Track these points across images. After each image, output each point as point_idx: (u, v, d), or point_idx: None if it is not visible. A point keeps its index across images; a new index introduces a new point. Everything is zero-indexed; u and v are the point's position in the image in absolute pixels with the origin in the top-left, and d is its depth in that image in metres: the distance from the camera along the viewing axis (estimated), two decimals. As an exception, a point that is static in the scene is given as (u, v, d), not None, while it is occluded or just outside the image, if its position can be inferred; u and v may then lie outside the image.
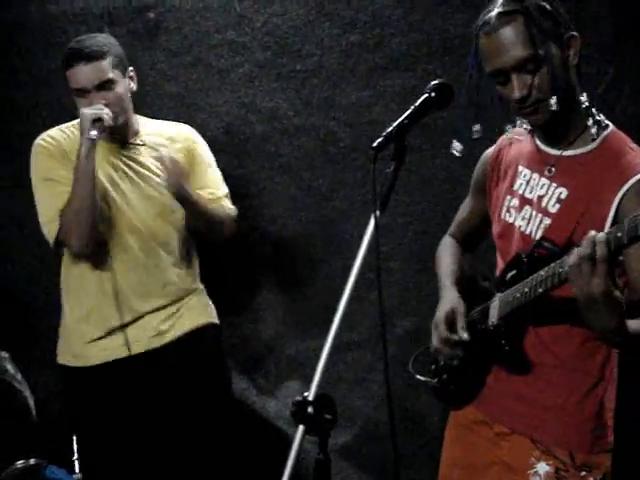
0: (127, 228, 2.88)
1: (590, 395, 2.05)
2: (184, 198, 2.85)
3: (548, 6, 1.95)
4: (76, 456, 3.09)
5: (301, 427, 1.60)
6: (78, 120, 2.77)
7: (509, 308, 2.05)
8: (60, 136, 2.90)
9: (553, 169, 2.06)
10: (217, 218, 2.99)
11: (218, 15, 3.44)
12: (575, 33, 1.98)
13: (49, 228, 2.83)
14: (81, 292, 2.95)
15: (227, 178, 3.12)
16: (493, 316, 2.11)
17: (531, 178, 2.11)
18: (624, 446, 2.19)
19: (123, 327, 2.90)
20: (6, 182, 3.72)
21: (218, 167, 3.10)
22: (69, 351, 3.00)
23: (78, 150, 2.73)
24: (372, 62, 3.29)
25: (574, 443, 2.05)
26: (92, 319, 2.92)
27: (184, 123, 3.16)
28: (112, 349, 2.92)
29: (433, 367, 2.34)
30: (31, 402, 3.33)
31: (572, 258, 1.72)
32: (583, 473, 2.03)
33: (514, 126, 2.17)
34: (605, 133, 2.02)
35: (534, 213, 2.08)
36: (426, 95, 1.86)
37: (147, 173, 2.92)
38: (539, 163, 2.10)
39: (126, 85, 2.86)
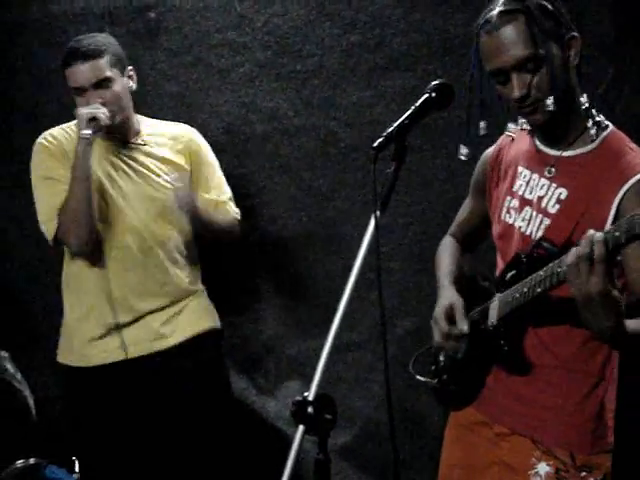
0: (126, 227, 2.88)
1: (590, 396, 2.05)
2: (195, 216, 2.92)
3: (549, 6, 1.95)
4: (76, 449, 3.09)
5: (301, 427, 1.60)
6: None
7: (508, 308, 2.05)
8: (61, 135, 2.90)
9: (553, 170, 2.06)
10: (225, 227, 3.03)
11: (218, 15, 3.44)
12: (576, 33, 1.97)
13: (47, 226, 2.84)
14: (80, 290, 2.96)
15: (227, 178, 3.13)
16: (492, 317, 2.11)
17: (531, 179, 2.11)
18: (624, 446, 2.19)
19: (121, 327, 2.90)
20: (6, 182, 3.72)
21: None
22: (69, 350, 3.00)
23: (75, 149, 2.75)
24: (372, 62, 3.29)
25: (575, 444, 2.05)
26: (92, 318, 2.93)
27: (184, 123, 3.16)
28: (110, 351, 2.91)
29: (433, 368, 2.34)
30: (31, 401, 3.33)
31: (570, 257, 1.73)
32: (584, 474, 2.03)
33: (517, 125, 2.16)
34: (605, 133, 2.02)
35: (534, 214, 2.08)
36: (426, 95, 1.86)
37: (147, 173, 2.92)
38: (539, 164, 2.10)
39: (124, 84, 2.86)
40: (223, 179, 3.09)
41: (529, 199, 2.10)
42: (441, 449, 2.34)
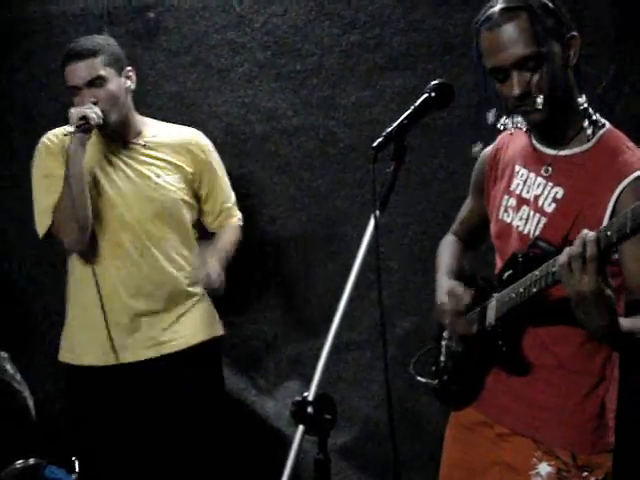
0: (121, 226, 2.88)
1: (591, 395, 2.05)
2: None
3: (551, 4, 1.94)
4: (75, 449, 3.08)
5: (301, 427, 1.60)
6: None
7: (505, 308, 2.05)
8: (63, 136, 2.90)
9: (550, 169, 2.05)
10: (236, 245, 3.10)
11: (217, 15, 3.44)
12: (576, 33, 1.97)
13: (40, 221, 2.87)
14: (78, 289, 2.97)
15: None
16: (490, 317, 2.11)
17: (528, 178, 2.11)
18: (625, 446, 2.19)
19: (114, 329, 2.90)
20: (5, 182, 3.72)
21: (218, 167, 3.12)
22: (69, 349, 3.00)
23: (67, 147, 2.77)
24: (372, 62, 3.29)
25: (575, 444, 2.04)
26: (86, 316, 2.93)
27: (184, 123, 3.16)
28: (101, 354, 2.91)
29: (434, 368, 2.33)
30: (30, 402, 3.32)
31: (562, 257, 1.73)
32: (585, 474, 2.02)
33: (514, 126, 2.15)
34: (601, 132, 2.01)
35: (531, 213, 2.07)
36: (426, 95, 1.86)
37: (147, 173, 2.92)
38: (536, 163, 2.09)
39: (120, 84, 2.87)
40: (228, 184, 3.12)
41: (526, 198, 2.10)
42: (441, 449, 2.34)
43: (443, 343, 2.33)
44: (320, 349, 1.64)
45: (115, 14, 3.55)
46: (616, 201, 1.91)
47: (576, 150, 2.02)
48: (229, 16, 3.43)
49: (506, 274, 2.08)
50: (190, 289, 2.99)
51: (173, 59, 3.51)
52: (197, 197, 3.04)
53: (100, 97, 2.79)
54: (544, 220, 2.03)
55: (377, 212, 1.73)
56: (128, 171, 2.92)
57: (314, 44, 3.35)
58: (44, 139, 2.92)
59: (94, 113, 2.73)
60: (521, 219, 2.10)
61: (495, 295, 2.11)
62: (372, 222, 1.72)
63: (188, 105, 3.51)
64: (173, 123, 3.12)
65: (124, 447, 2.96)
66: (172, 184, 2.93)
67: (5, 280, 3.75)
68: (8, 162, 3.71)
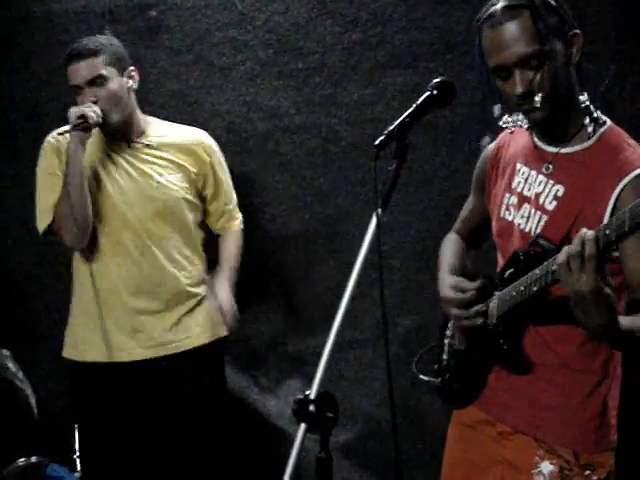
0: (122, 224, 2.89)
1: (593, 394, 2.04)
2: None
3: (553, 2, 1.93)
4: (77, 448, 3.09)
5: (303, 425, 1.60)
6: None
7: (507, 307, 2.05)
8: (68, 134, 2.91)
9: (550, 166, 2.05)
10: (240, 251, 3.16)
11: (219, 13, 3.44)
12: (578, 31, 1.96)
13: (41, 218, 2.89)
14: (80, 286, 2.98)
15: (228, 176, 3.14)
16: (492, 315, 2.11)
17: (529, 175, 2.10)
18: (628, 445, 2.19)
19: (119, 326, 2.92)
20: (7, 181, 3.72)
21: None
22: (72, 344, 3.01)
23: (67, 146, 2.78)
24: (374, 60, 3.29)
25: (578, 442, 2.04)
26: (90, 313, 2.94)
27: (186, 121, 3.16)
28: (106, 350, 2.92)
29: (436, 367, 2.33)
30: (32, 400, 3.33)
31: (561, 256, 1.73)
32: (587, 472, 2.02)
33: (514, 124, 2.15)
34: (602, 130, 2.00)
35: (533, 211, 2.07)
36: (428, 93, 1.85)
37: (149, 172, 2.92)
38: (537, 160, 2.09)
39: (122, 83, 2.87)
40: (231, 184, 3.13)
41: (527, 196, 2.09)
42: (443, 448, 2.34)
43: (445, 341, 2.33)
44: (322, 347, 1.64)
45: (117, 12, 3.55)
46: (617, 199, 1.90)
47: (577, 148, 2.02)
48: (231, 14, 3.43)
49: (507, 272, 2.07)
50: (191, 289, 2.98)
51: (175, 57, 3.51)
52: (201, 197, 3.04)
53: (101, 96, 2.81)
54: (545, 218, 2.03)
55: (379, 210, 1.72)
56: (130, 170, 2.92)
57: (316, 42, 3.35)
58: (49, 137, 2.93)
59: (93, 112, 2.74)
60: (522, 217, 2.09)
61: (497, 293, 2.11)
62: (374, 220, 1.72)
63: (190, 103, 3.51)
64: (175, 121, 3.13)
65: (126, 444, 2.97)
66: (174, 183, 2.93)
67: (6, 278, 3.76)
68: (10, 161, 3.71)
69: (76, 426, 3.09)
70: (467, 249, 2.43)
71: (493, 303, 2.11)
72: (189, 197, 2.97)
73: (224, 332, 3.08)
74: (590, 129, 2.00)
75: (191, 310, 2.99)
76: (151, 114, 3.09)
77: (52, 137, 2.92)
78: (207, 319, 3.02)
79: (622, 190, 1.90)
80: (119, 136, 2.93)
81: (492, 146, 2.28)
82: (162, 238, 2.93)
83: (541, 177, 2.06)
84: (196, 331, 2.98)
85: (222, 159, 3.10)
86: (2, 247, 3.79)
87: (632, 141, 2.00)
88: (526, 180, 2.11)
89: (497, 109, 2.09)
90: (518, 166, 2.14)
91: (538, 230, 2.03)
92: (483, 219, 2.32)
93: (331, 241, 3.43)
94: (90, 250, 2.91)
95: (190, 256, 3.00)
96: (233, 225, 3.15)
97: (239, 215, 3.18)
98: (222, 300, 3.07)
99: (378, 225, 1.71)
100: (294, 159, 3.44)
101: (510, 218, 2.13)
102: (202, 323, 3.00)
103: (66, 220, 2.80)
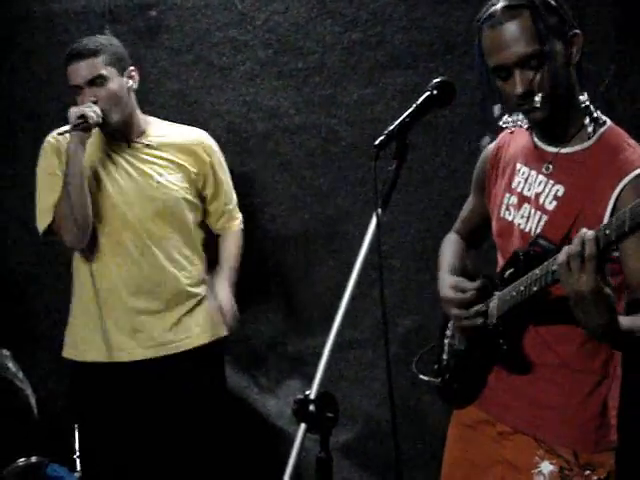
0: (122, 224, 2.90)
1: (593, 394, 2.04)
2: None
3: (553, 2, 1.93)
4: (77, 448, 3.09)
5: (303, 425, 1.60)
6: None
7: (506, 307, 2.05)
8: (68, 134, 2.91)
9: (550, 166, 2.05)
10: (240, 252, 3.16)
11: (219, 13, 3.44)
12: (578, 31, 1.96)
13: (41, 218, 2.89)
14: (80, 286, 2.99)
15: (228, 176, 3.14)
16: (492, 315, 2.11)
17: (529, 175, 2.10)
18: (629, 445, 2.19)
19: (119, 326, 2.92)
20: (7, 181, 3.72)
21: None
22: (71, 344, 3.01)
23: (67, 146, 2.79)
24: (374, 60, 3.29)
25: (578, 442, 2.04)
26: (90, 313, 2.95)
27: (186, 121, 3.16)
28: (106, 350, 2.93)
29: (436, 367, 2.33)
30: (32, 400, 3.33)
31: (561, 256, 1.73)
32: (587, 472, 2.02)
33: (514, 124, 2.15)
34: (602, 130, 2.00)
35: (532, 211, 2.07)
36: (428, 93, 1.85)
37: (149, 172, 2.92)
38: (537, 160, 2.09)
39: (122, 83, 2.87)
40: (231, 185, 3.13)
41: (527, 196, 2.09)
42: (444, 448, 2.34)
43: (446, 341, 2.33)
44: (322, 347, 1.64)
45: (117, 12, 3.55)
46: (617, 199, 1.90)
47: (577, 148, 2.02)
48: (231, 14, 3.43)
49: (507, 272, 2.07)
50: (191, 289, 2.99)
51: (175, 57, 3.51)
52: (202, 197, 3.05)
53: (100, 96, 2.81)
54: (545, 218, 2.03)
55: (379, 210, 1.73)
56: (130, 170, 2.92)
57: (316, 42, 3.34)
58: (49, 137, 2.93)
59: (93, 112, 2.75)
60: (522, 217, 2.09)
61: (497, 293, 2.11)
62: (374, 220, 1.72)
63: (190, 103, 3.51)
64: (175, 121, 3.13)
65: (126, 445, 2.97)
66: (174, 183, 2.93)
67: (6, 278, 3.76)
68: (10, 161, 3.71)
69: (76, 426, 3.09)
70: (467, 249, 2.43)
71: (493, 303, 2.11)
72: (189, 197, 2.97)
73: (224, 332, 3.07)
74: (590, 129, 2.00)
75: (191, 310, 2.98)
76: (151, 114, 3.09)
77: (52, 137, 2.92)
78: (207, 319, 3.01)
79: (622, 190, 1.90)
80: (119, 136, 2.93)
81: (492, 146, 2.28)
82: (162, 238, 2.93)
83: (541, 177, 2.06)
84: (196, 331, 2.98)
85: (222, 159, 3.10)
86: (2, 247, 3.79)
87: (632, 141, 2.00)
88: (526, 180, 2.11)
89: (497, 109, 2.09)
90: (518, 166, 2.14)
91: (538, 230, 2.03)
92: (483, 219, 2.32)
93: (331, 241, 3.43)
94: (90, 250, 2.92)
95: (190, 256, 3.00)
96: (233, 225, 3.16)
97: (239, 215, 3.18)
98: (222, 300, 3.07)
99: (378, 225, 1.71)
100: (294, 159, 3.44)
101: (510, 218, 2.13)
102: (202, 323, 3.00)
103: (66, 220, 2.80)
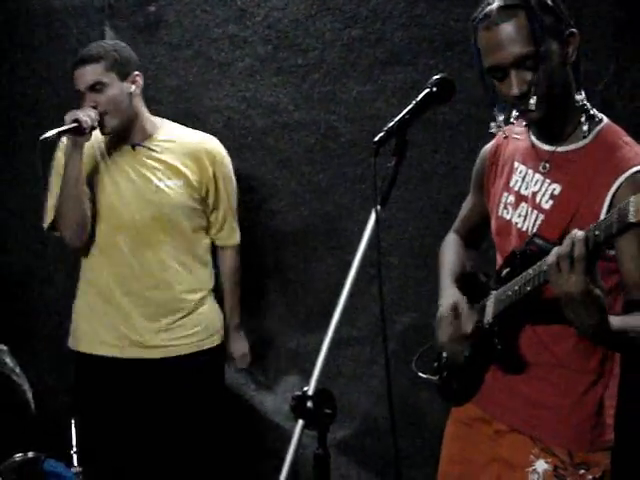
0: (117, 226, 2.93)
1: (589, 393, 2.04)
2: None
3: (549, 1, 1.93)
4: (74, 443, 3.09)
5: (300, 422, 1.60)
6: None
7: (502, 306, 2.05)
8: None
9: (547, 165, 2.05)
10: (240, 271, 3.22)
11: (218, 9, 3.44)
12: (575, 30, 1.96)
13: (46, 215, 2.96)
14: (80, 280, 3.05)
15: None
16: (488, 314, 2.11)
17: (526, 174, 2.10)
18: (626, 444, 2.19)
19: (114, 324, 2.97)
20: (6, 176, 3.72)
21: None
22: (71, 333, 3.07)
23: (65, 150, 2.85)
24: (373, 57, 3.28)
25: (573, 441, 2.04)
26: (88, 308, 3.02)
27: (184, 116, 3.16)
28: (97, 344, 2.99)
29: (435, 365, 2.33)
30: (30, 395, 3.33)
31: (551, 257, 1.73)
32: (582, 471, 2.02)
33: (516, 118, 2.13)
34: (598, 128, 2.00)
35: (530, 210, 2.07)
36: (428, 90, 1.85)
37: (149, 176, 2.94)
38: (534, 159, 2.09)
39: (123, 89, 2.89)
40: (234, 198, 3.10)
41: (525, 195, 2.09)
42: (441, 445, 2.34)
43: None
44: (320, 344, 1.64)
45: (116, 7, 3.55)
46: (613, 197, 1.90)
47: (573, 146, 2.02)
48: (230, 10, 3.42)
49: (505, 271, 2.08)
50: (185, 296, 2.99)
51: (174, 53, 3.50)
52: (205, 204, 3.03)
53: (100, 102, 2.85)
54: (542, 217, 2.03)
55: (378, 207, 1.73)
56: (131, 173, 2.94)
57: (315, 38, 3.34)
58: (63, 138, 2.94)
59: (87, 116, 2.78)
60: (520, 216, 2.09)
61: (493, 292, 2.11)
62: (373, 217, 1.72)
63: (189, 99, 3.50)
64: (173, 117, 3.13)
65: (123, 441, 3.00)
66: (174, 189, 2.93)
67: (4, 273, 3.76)
68: (10, 157, 3.71)
69: (73, 421, 3.10)
70: (467, 249, 2.43)
71: (489, 302, 2.11)
72: (189, 204, 2.96)
73: (218, 342, 3.09)
74: (586, 127, 2.00)
75: (184, 317, 2.99)
76: (149, 109, 3.08)
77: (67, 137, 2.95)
78: (200, 327, 3.02)
79: (618, 188, 1.90)
80: (122, 139, 2.95)
81: (491, 144, 2.28)
82: (156, 243, 2.94)
83: (538, 176, 2.06)
84: (187, 340, 3.00)
85: (228, 170, 3.07)
86: (1, 242, 3.79)
87: (628, 139, 1.99)
88: (523, 179, 2.11)
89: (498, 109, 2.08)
90: (516, 165, 2.14)
91: (535, 229, 2.03)
92: (482, 218, 2.32)
93: (330, 238, 3.43)
94: (88, 248, 2.98)
95: (188, 263, 3.00)
96: (232, 238, 3.14)
97: (237, 231, 3.16)
98: (235, 352, 3.18)
99: (377, 222, 1.71)
100: (293, 155, 3.43)
101: (508, 217, 2.13)
102: (194, 332, 3.01)
103: (64, 219, 2.88)
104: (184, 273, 2.99)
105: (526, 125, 2.13)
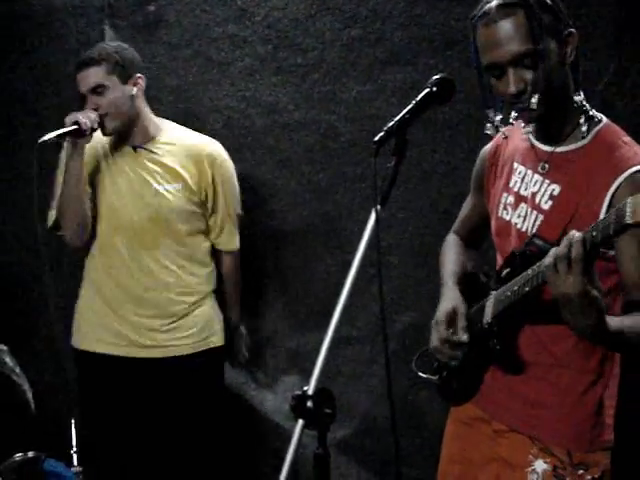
0: (115, 227, 2.96)
1: (588, 393, 2.04)
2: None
3: (548, 0, 1.93)
4: (74, 443, 3.10)
5: (300, 421, 1.60)
6: None
7: (501, 307, 2.05)
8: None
9: (546, 166, 2.05)
10: (239, 274, 3.23)
11: (218, 8, 3.44)
12: (573, 30, 1.95)
13: (50, 214, 2.98)
14: (86, 280, 3.08)
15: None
16: (487, 314, 2.11)
17: (526, 175, 2.10)
18: (627, 444, 2.19)
19: (113, 323, 2.99)
20: (6, 175, 3.72)
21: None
22: (76, 333, 3.08)
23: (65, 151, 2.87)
24: (373, 56, 3.28)
25: (572, 441, 2.04)
26: (88, 306, 3.05)
27: (184, 116, 3.16)
28: (106, 343, 3.00)
29: (435, 364, 2.33)
30: (29, 395, 3.33)
31: (548, 258, 1.73)
32: (580, 471, 2.02)
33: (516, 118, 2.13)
34: (597, 128, 2.00)
35: (529, 210, 2.07)
36: (427, 90, 1.85)
37: (148, 179, 2.95)
38: (533, 160, 2.09)
39: (124, 92, 2.90)
40: (234, 203, 3.09)
41: (524, 195, 2.09)
42: (441, 444, 2.34)
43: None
44: (319, 343, 1.64)
45: (116, 7, 3.55)
46: (612, 197, 1.90)
47: (572, 147, 2.01)
48: (230, 9, 3.42)
49: (504, 272, 2.08)
50: (182, 298, 3.00)
51: (173, 52, 3.50)
52: (205, 208, 3.03)
53: (101, 104, 2.87)
54: (541, 217, 2.03)
55: (378, 207, 1.73)
56: (131, 175, 2.96)
57: (315, 38, 3.34)
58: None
59: (87, 118, 2.79)
60: (519, 216, 2.09)
61: (493, 293, 2.11)
62: (373, 217, 1.72)
63: (188, 98, 3.50)
64: (173, 117, 3.14)
65: (123, 440, 3.03)
66: (172, 193, 2.94)
67: (4, 273, 3.76)
68: (10, 156, 3.71)
69: (73, 421, 3.10)
70: (467, 249, 2.42)
71: (489, 302, 2.11)
72: (187, 208, 2.96)
73: (216, 344, 3.09)
74: (585, 128, 2.00)
75: (180, 319, 3.00)
76: (149, 109, 3.08)
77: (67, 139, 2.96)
78: (196, 329, 3.03)
79: (617, 188, 1.90)
80: (124, 141, 2.97)
81: (491, 145, 2.28)
82: (154, 245, 2.96)
83: (537, 176, 2.06)
84: (183, 341, 3.01)
85: (227, 175, 3.06)
86: (1, 242, 3.79)
87: (628, 138, 1.99)
88: (523, 179, 2.11)
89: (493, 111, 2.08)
90: (515, 165, 2.14)
91: (534, 230, 2.03)
92: (482, 218, 2.32)
93: (330, 237, 3.43)
94: (89, 247, 3.01)
95: (185, 265, 3.01)
96: (231, 243, 3.14)
97: (237, 235, 3.15)
98: (235, 350, 3.23)
99: (377, 221, 1.71)
100: (293, 155, 3.43)
101: (508, 218, 2.13)
102: (189, 334, 3.01)
103: (64, 219, 2.91)
104: (181, 275, 3.00)
105: (525, 126, 2.13)
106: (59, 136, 2.79)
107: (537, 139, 2.09)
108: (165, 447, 3.01)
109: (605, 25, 2.97)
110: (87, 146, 2.87)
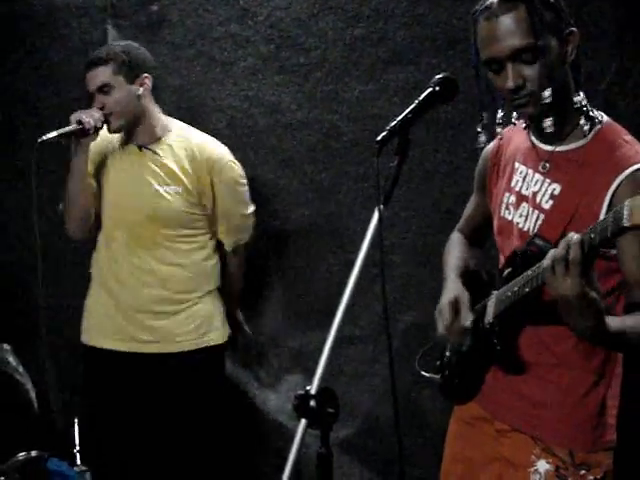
0: (115, 223, 3.00)
1: (590, 393, 2.04)
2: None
3: None
4: (77, 442, 3.11)
5: (303, 421, 1.60)
6: None
7: (502, 306, 2.04)
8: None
9: (547, 165, 2.04)
10: (243, 271, 3.27)
11: (221, 8, 3.44)
12: (574, 29, 1.95)
13: (59, 207, 3.05)
14: (94, 275, 3.12)
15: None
16: (489, 314, 2.11)
17: (527, 174, 2.10)
18: (629, 444, 2.19)
19: (116, 318, 3.03)
20: (8, 175, 3.73)
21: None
22: (84, 329, 3.12)
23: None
24: (376, 56, 3.28)
25: (574, 441, 2.04)
26: (94, 301, 3.10)
27: (187, 115, 3.16)
28: (110, 338, 3.04)
29: (438, 363, 2.33)
30: (33, 394, 3.34)
31: (546, 260, 1.72)
32: (583, 472, 2.02)
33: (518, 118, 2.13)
34: (598, 127, 1.99)
35: (530, 210, 2.06)
36: (430, 89, 1.85)
37: (150, 180, 2.96)
38: (534, 159, 2.08)
39: (130, 91, 2.92)
40: (235, 201, 3.09)
41: (525, 195, 2.09)
42: (444, 443, 2.34)
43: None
44: (322, 343, 1.64)
45: (119, 7, 3.55)
46: (612, 196, 1.89)
47: (573, 146, 2.01)
48: (233, 9, 3.42)
49: (506, 271, 2.07)
50: (179, 296, 3.02)
51: (176, 52, 3.50)
52: (205, 209, 3.03)
53: (106, 103, 2.90)
54: (542, 217, 2.02)
55: (381, 206, 1.73)
56: (134, 174, 2.98)
57: (318, 38, 3.34)
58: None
59: (90, 117, 2.82)
60: (521, 216, 2.09)
61: (494, 292, 2.11)
62: (376, 216, 1.72)
63: (191, 98, 3.51)
64: (176, 116, 3.13)
65: (125, 439, 3.05)
66: (172, 195, 2.94)
67: (6, 272, 3.76)
68: (11, 155, 3.71)
69: (76, 420, 3.11)
70: (471, 248, 2.43)
71: (491, 302, 2.11)
72: (186, 209, 2.97)
73: (215, 341, 3.09)
74: (586, 127, 1.99)
75: (177, 315, 3.01)
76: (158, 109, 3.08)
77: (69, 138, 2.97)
78: (194, 326, 3.04)
79: (618, 187, 1.89)
80: (129, 141, 2.99)
81: (493, 144, 2.27)
82: (152, 242, 2.97)
83: (538, 176, 2.06)
84: (182, 338, 3.02)
85: (229, 177, 3.04)
86: (2, 242, 3.79)
87: (629, 137, 1.98)
88: (524, 179, 2.10)
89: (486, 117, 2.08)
90: (516, 165, 2.14)
91: (536, 229, 2.03)
92: (485, 218, 2.32)
93: (332, 237, 3.43)
94: (95, 242, 3.07)
95: (184, 263, 3.02)
96: (233, 242, 3.15)
97: (238, 234, 3.16)
98: (239, 342, 3.30)
99: (380, 221, 1.71)
100: (295, 155, 3.43)
101: (510, 217, 2.13)
102: (188, 330, 3.02)
103: (67, 212, 2.98)
104: (181, 273, 3.01)
105: (526, 126, 2.13)
106: (61, 135, 2.81)
107: (537, 138, 2.09)
108: (167, 444, 3.02)
109: (607, 24, 2.97)
110: (96, 141, 2.90)
